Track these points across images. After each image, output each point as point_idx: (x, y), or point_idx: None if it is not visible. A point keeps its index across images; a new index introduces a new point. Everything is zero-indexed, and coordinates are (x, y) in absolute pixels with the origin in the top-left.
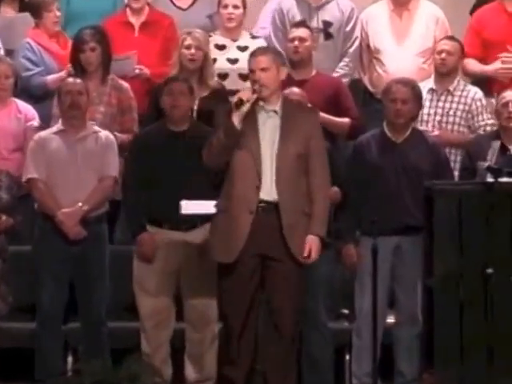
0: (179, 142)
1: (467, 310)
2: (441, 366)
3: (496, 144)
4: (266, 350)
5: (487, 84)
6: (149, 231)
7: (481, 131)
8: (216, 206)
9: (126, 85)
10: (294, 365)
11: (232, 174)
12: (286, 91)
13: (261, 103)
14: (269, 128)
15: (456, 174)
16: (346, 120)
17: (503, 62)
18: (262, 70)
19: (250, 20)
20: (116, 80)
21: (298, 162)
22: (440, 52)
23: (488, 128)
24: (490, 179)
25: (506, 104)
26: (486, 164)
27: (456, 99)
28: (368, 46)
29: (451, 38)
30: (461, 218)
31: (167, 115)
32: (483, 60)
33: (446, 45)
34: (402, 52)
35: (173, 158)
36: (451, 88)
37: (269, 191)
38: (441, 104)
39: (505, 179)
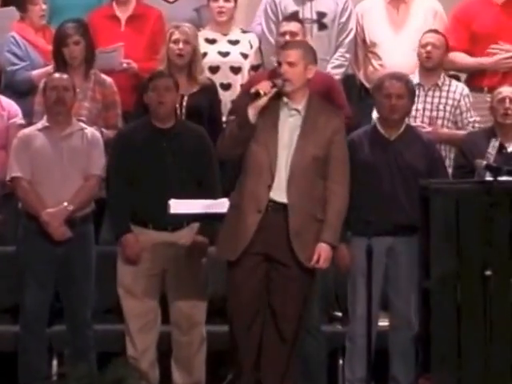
0: (164, 139)
1: (465, 314)
2: (437, 371)
3: (495, 142)
4: (266, 353)
5: (475, 78)
6: (133, 232)
7: (469, 128)
8: (229, 199)
9: (109, 79)
10: (292, 371)
11: (246, 169)
12: None
13: (285, 100)
14: (289, 127)
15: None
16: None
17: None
18: (289, 64)
19: (245, 19)
20: (99, 75)
21: (315, 165)
22: (425, 45)
23: (476, 125)
24: (488, 178)
25: (503, 100)
26: (485, 162)
27: (444, 94)
28: (363, 40)
29: (435, 30)
30: (458, 218)
31: (152, 112)
32: (470, 54)
33: (431, 38)
34: (399, 46)
35: (158, 156)
36: (439, 83)
37: (280, 192)
38: (429, 99)
39: (504, 178)
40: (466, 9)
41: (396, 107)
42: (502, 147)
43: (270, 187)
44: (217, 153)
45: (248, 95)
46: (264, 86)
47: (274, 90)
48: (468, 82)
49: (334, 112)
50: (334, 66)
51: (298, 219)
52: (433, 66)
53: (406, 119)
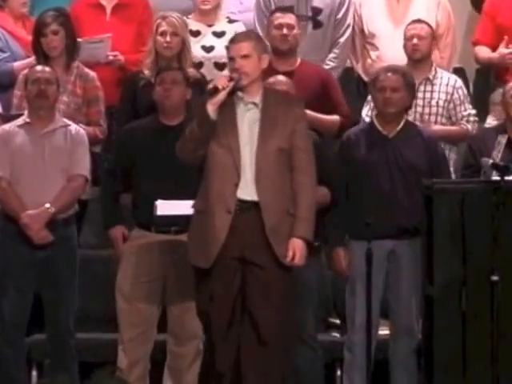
0: (172, 137)
1: (470, 322)
2: (441, 382)
3: (503, 138)
4: (245, 359)
5: (501, 73)
6: (121, 226)
7: (464, 122)
8: (193, 206)
9: (92, 73)
10: (279, 380)
11: (209, 171)
12: (271, 80)
13: (239, 94)
14: (248, 122)
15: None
16: (335, 117)
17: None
18: (243, 57)
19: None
20: (82, 68)
21: (281, 158)
22: (410, 38)
23: (471, 119)
24: (495, 177)
25: None
26: (491, 161)
27: (436, 88)
28: (362, 30)
29: (418, 20)
30: (463, 220)
31: (159, 107)
32: (495, 47)
33: (415, 29)
34: (400, 37)
35: (164, 156)
36: (430, 76)
37: (248, 190)
38: (421, 94)
39: None
40: (492, 1)
41: (390, 100)
42: (511, 144)
43: (236, 186)
44: (178, 157)
45: (206, 92)
46: (221, 81)
47: (232, 83)
48: (495, 77)
49: (293, 101)
50: (328, 69)
51: (273, 216)
52: (421, 56)
53: (406, 115)
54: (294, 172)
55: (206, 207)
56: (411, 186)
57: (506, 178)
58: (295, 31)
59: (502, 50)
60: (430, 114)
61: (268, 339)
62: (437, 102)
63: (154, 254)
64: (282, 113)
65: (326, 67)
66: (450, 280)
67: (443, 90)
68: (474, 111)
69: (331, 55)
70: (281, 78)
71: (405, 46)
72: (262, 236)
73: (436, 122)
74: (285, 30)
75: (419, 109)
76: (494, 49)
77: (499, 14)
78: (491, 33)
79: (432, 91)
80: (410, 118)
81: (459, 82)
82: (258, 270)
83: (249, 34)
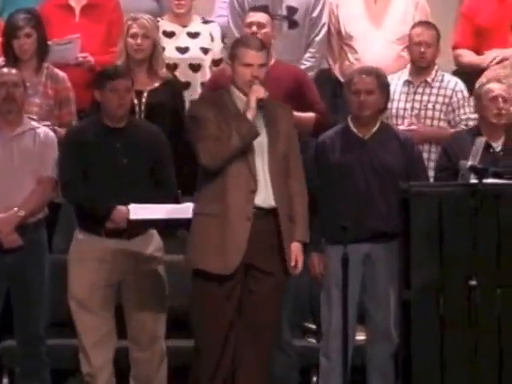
0: (117, 139)
1: (448, 327)
2: None
3: (480, 141)
4: (241, 370)
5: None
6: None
7: (462, 125)
8: (199, 209)
9: (62, 74)
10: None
11: (223, 177)
12: None
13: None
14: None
15: (430, 174)
16: (310, 115)
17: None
18: (260, 66)
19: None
20: (51, 69)
21: (285, 163)
22: (418, 44)
23: (470, 123)
24: (473, 180)
25: (495, 99)
26: (469, 163)
27: (435, 91)
28: (339, 32)
29: (427, 24)
30: (441, 224)
31: (108, 112)
32: (476, 50)
33: (424, 35)
34: (378, 38)
35: (111, 158)
36: (429, 79)
37: (264, 196)
38: (418, 97)
39: (490, 180)
40: (470, 2)
41: (365, 104)
42: (488, 146)
43: (254, 192)
44: (205, 167)
45: (250, 107)
46: (260, 92)
47: (267, 92)
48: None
49: (284, 106)
50: (304, 69)
51: (285, 222)
52: (427, 64)
53: (381, 117)
54: (290, 177)
55: (223, 212)
56: (387, 188)
57: (484, 180)
58: (266, 30)
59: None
60: (425, 118)
61: (266, 345)
62: (433, 106)
63: (107, 259)
64: (279, 118)
65: (302, 67)
66: (428, 284)
67: (442, 93)
68: (473, 115)
69: (307, 54)
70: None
71: (410, 50)
72: (271, 242)
73: (432, 126)
74: (254, 28)
75: (415, 112)
76: (474, 51)
77: (478, 15)
78: (470, 35)
79: (430, 94)
80: (407, 122)
81: (460, 85)
82: (263, 276)
83: (263, 43)
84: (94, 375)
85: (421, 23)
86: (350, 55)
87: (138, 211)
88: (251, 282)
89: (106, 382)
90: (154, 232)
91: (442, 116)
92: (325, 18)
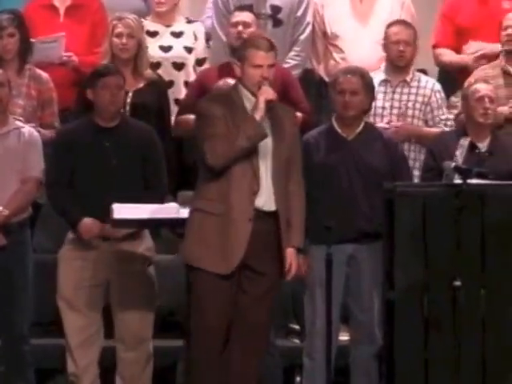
0: (108, 138)
1: (432, 327)
2: None
3: (465, 141)
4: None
5: (460, 75)
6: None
7: (441, 126)
8: (198, 207)
9: (45, 75)
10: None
11: (227, 176)
12: (220, 83)
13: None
14: None
15: (416, 173)
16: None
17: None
18: (269, 66)
19: (191, 6)
20: (34, 70)
21: (287, 166)
22: (396, 43)
23: (449, 123)
24: (457, 180)
25: (481, 99)
26: (454, 164)
27: (414, 90)
28: (324, 32)
29: (404, 23)
30: (425, 224)
31: (100, 110)
32: (456, 49)
33: (402, 34)
34: (363, 38)
35: (101, 157)
36: (408, 78)
37: (265, 198)
38: (397, 96)
39: (474, 180)
40: (451, 3)
41: (350, 104)
42: (473, 147)
43: (255, 194)
44: (211, 166)
45: (259, 108)
46: (271, 94)
47: (275, 94)
48: (457, 79)
49: (288, 109)
50: (290, 67)
51: (285, 227)
52: (406, 64)
53: (365, 117)
54: (290, 181)
55: (225, 212)
56: (371, 188)
57: (469, 181)
58: (251, 29)
59: (471, 53)
60: (405, 116)
61: (262, 345)
62: (413, 105)
63: (95, 259)
64: (283, 120)
65: (287, 65)
66: (412, 285)
67: (421, 92)
68: (451, 116)
69: (292, 53)
70: (230, 81)
71: (387, 48)
72: (267, 244)
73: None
74: (240, 27)
75: (395, 110)
76: (455, 51)
77: (458, 15)
78: (451, 35)
79: (409, 93)
80: (386, 120)
81: (437, 86)
82: (258, 277)
83: (272, 44)
84: (78, 375)
85: (398, 22)
86: (335, 55)
87: (122, 210)
88: (245, 283)
89: (91, 382)
90: (145, 232)
91: (421, 115)
92: (309, 17)
